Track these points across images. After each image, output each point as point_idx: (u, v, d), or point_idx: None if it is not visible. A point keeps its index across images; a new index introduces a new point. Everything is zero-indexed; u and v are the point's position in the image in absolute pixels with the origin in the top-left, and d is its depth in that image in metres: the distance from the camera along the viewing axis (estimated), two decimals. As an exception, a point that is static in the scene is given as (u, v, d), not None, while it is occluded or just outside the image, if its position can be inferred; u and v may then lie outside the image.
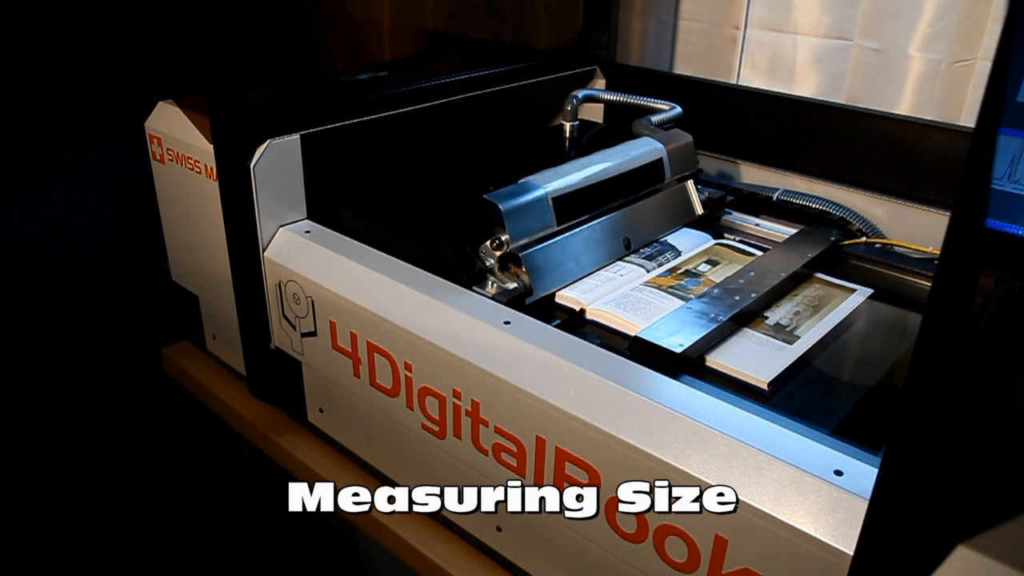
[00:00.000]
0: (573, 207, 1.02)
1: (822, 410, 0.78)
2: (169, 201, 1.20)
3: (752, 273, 0.96)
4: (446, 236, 0.94)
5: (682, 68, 1.50)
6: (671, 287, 0.98)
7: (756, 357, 0.84)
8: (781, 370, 0.82)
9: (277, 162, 0.98)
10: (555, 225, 0.99)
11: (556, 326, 0.83)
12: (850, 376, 0.88)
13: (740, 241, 1.15)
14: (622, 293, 0.96)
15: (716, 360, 0.84)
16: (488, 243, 0.93)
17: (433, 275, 0.92)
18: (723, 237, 1.16)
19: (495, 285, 0.93)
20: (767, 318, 0.92)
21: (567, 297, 0.96)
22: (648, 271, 1.03)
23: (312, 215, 1.05)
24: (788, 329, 0.89)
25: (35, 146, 1.59)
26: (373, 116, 1.10)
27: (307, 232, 1.01)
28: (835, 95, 1.33)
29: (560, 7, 1.49)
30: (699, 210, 1.19)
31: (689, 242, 1.12)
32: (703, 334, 0.83)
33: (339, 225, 1.04)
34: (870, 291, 0.99)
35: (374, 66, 1.34)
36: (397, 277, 0.91)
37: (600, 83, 1.46)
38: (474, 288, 0.91)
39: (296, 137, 1.00)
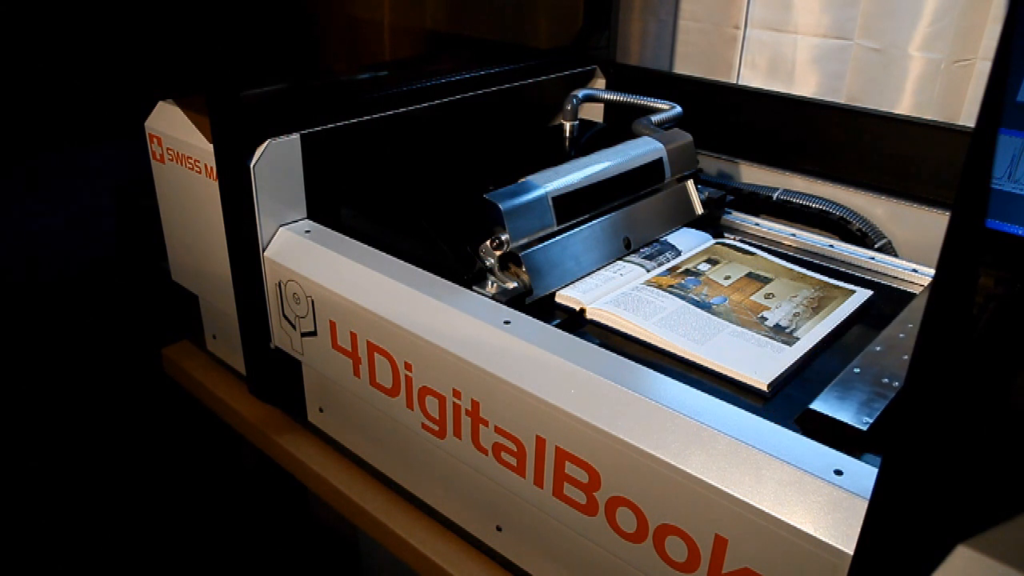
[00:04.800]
0: (573, 207, 1.01)
1: (822, 410, 0.78)
2: (169, 201, 1.20)
3: (911, 326, 0.88)
4: (446, 236, 0.94)
5: (682, 68, 1.50)
6: (671, 287, 0.98)
7: (756, 358, 0.83)
8: (781, 372, 0.82)
9: (277, 162, 0.98)
10: (555, 225, 0.99)
11: (556, 326, 0.83)
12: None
13: (740, 241, 1.15)
14: (622, 293, 0.96)
15: (723, 368, 0.82)
16: (488, 243, 0.92)
17: (433, 275, 0.92)
18: (723, 237, 1.16)
19: (495, 285, 0.93)
20: (766, 319, 0.92)
21: (567, 297, 0.96)
22: (648, 271, 1.03)
23: (312, 215, 1.05)
24: (788, 330, 0.89)
25: (35, 147, 1.59)
26: (373, 116, 1.10)
27: (307, 232, 1.01)
28: (835, 95, 1.33)
29: (560, 7, 1.49)
30: (699, 210, 1.19)
31: (689, 242, 1.12)
32: (886, 405, 0.73)
33: (339, 225, 1.04)
34: (870, 292, 0.99)
35: (374, 66, 1.34)
36: (397, 277, 0.91)
37: (600, 83, 1.46)
38: (474, 288, 0.91)
39: (296, 137, 1.00)
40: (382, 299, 0.89)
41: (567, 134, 1.28)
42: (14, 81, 1.51)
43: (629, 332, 0.90)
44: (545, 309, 0.95)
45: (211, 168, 1.04)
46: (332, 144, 1.04)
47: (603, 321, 0.92)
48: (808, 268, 1.05)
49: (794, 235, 1.16)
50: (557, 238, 1.00)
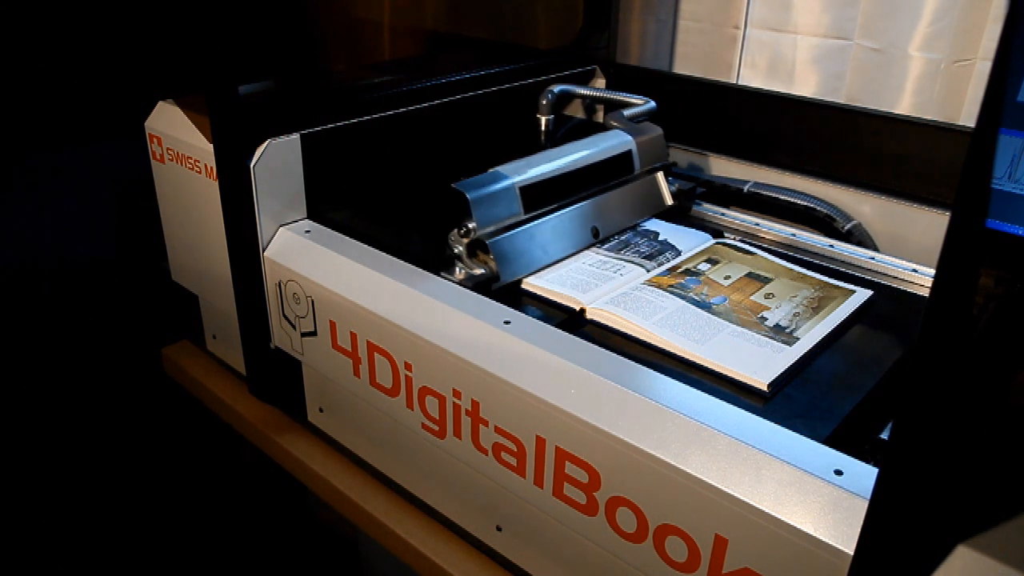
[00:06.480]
0: (541, 196, 1.04)
1: (822, 412, 0.78)
2: (169, 201, 1.20)
3: None
4: (419, 225, 0.97)
5: (682, 68, 1.50)
6: (671, 287, 0.98)
7: (756, 358, 0.83)
8: (781, 371, 0.82)
9: (277, 162, 0.98)
10: (522, 214, 1.01)
11: (556, 326, 0.83)
12: (850, 377, 0.88)
13: (740, 240, 1.15)
14: (622, 292, 0.96)
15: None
16: (456, 231, 0.95)
17: (433, 275, 0.92)
18: (723, 236, 1.17)
19: (463, 271, 0.95)
20: (766, 319, 0.92)
21: (567, 296, 0.96)
22: (648, 271, 1.03)
23: (312, 215, 1.05)
24: (788, 330, 0.89)
25: (35, 147, 1.59)
26: (373, 116, 1.10)
27: (307, 232, 1.01)
28: (835, 95, 1.33)
29: (560, 7, 1.49)
30: (669, 201, 1.22)
31: (689, 241, 1.12)
32: None
33: (339, 225, 1.04)
34: (870, 292, 0.99)
35: (374, 66, 1.34)
36: (397, 277, 0.91)
37: (600, 83, 1.46)
38: (442, 274, 0.94)
39: (296, 137, 1.00)
40: (382, 299, 0.89)
41: (543, 128, 1.32)
42: (14, 81, 1.51)
43: (629, 332, 0.90)
44: (544, 308, 0.95)
45: (211, 168, 1.04)
46: (332, 144, 1.04)
47: (603, 321, 0.92)
48: (808, 268, 1.05)
49: (794, 235, 1.16)
50: (525, 226, 1.02)
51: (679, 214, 1.22)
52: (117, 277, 1.72)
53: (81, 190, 1.69)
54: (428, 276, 0.92)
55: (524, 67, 1.34)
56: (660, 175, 1.21)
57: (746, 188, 1.29)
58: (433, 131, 1.22)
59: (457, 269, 0.95)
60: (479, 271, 0.95)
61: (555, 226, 1.05)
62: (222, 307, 1.15)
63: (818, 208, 1.23)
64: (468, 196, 0.95)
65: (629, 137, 1.18)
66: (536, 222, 1.03)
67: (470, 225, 0.94)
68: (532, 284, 0.99)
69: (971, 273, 0.47)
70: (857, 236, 1.21)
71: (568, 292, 0.96)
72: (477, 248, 0.97)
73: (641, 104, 1.27)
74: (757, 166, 1.32)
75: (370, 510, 1.01)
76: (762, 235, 1.18)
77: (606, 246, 1.09)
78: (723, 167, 1.36)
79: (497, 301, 0.88)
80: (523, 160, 1.06)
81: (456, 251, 0.96)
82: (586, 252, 1.07)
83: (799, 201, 1.25)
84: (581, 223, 1.08)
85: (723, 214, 1.23)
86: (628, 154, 1.17)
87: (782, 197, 1.26)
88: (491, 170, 1.02)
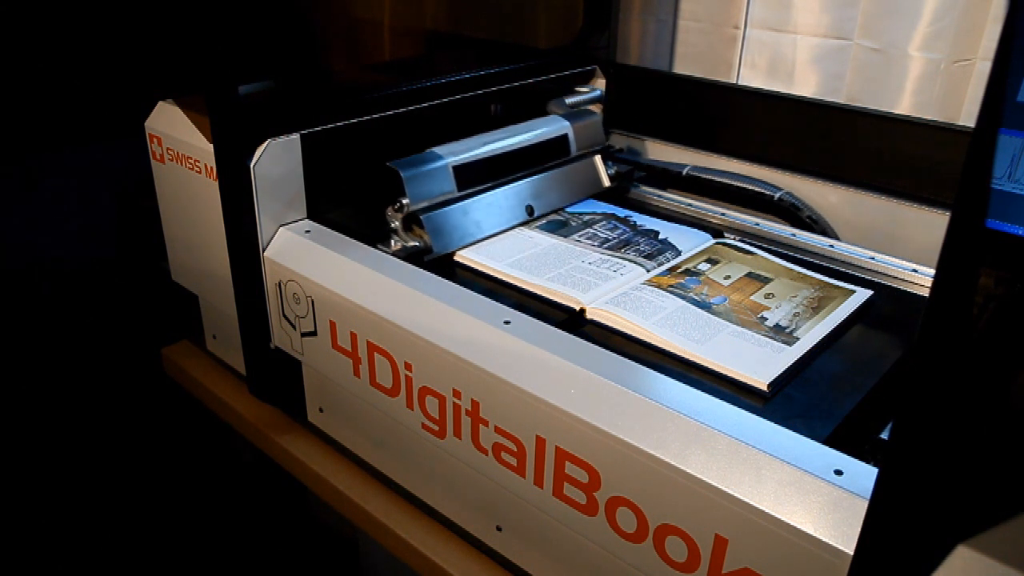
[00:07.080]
0: (474, 175, 1.10)
1: (822, 412, 0.78)
2: (169, 201, 1.20)
3: None
4: (364, 202, 1.04)
5: (682, 68, 1.50)
6: (671, 286, 0.98)
7: (756, 358, 0.83)
8: (781, 372, 0.82)
9: (277, 162, 0.98)
10: (455, 191, 1.07)
11: (556, 326, 0.83)
12: (850, 377, 0.88)
13: (740, 240, 1.15)
14: (622, 292, 0.96)
15: (719, 364, 0.83)
16: (391, 206, 1.01)
17: (433, 275, 0.92)
18: (724, 236, 1.17)
19: (398, 243, 1.01)
20: (766, 319, 0.92)
21: (567, 296, 0.96)
22: (648, 270, 1.03)
23: (312, 215, 1.05)
24: (788, 330, 0.89)
25: (35, 147, 1.59)
26: (373, 116, 1.10)
27: (307, 232, 1.02)
28: (835, 95, 1.33)
29: (560, 7, 1.49)
30: (606, 183, 1.28)
31: (689, 241, 1.12)
32: None
33: (339, 225, 1.04)
34: (870, 292, 0.99)
35: (374, 66, 1.34)
36: (397, 277, 0.91)
37: (600, 83, 1.46)
38: (379, 246, 0.99)
39: (296, 137, 1.00)
40: (382, 299, 0.89)
41: (492, 114, 1.36)
42: (13, 81, 1.51)
43: (629, 332, 0.90)
44: (544, 308, 0.95)
45: (211, 168, 1.04)
46: (332, 144, 1.05)
47: (603, 321, 0.92)
48: (808, 268, 1.05)
49: (794, 235, 1.16)
50: (458, 203, 1.07)
51: (617, 195, 1.29)
52: (117, 277, 1.72)
53: (81, 190, 1.69)
54: (429, 276, 0.92)
55: (524, 67, 1.34)
56: (598, 158, 1.29)
57: (684, 172, 1.35)
58: (433, 131, 1.22)
59: (392, 241, 1.01)
60: (413, 243, 1.01)
61: (489, 203, 1.11)
62: (222, 307, 1.15)
63: (748, 187, 1.29)
64: (402, 174, 1.02)
65: (566, 122, 1.26)
66: (470, 199, 1.09)
67: (404, 201, 1.01)
68: (465, 257, 1.04)
69: (971, 273, 0.47)
70: (788, 202, 1.25)
71: (568, 292, 0.96)
72: (412, 222, 1.03)
73: (586, 92, 1.36)
74: (759, 166, 1.32)
75: (370, 510, 1.01)
76: (762, 235, 1.18)
77: (606, 245, 1.09)
78: (721, 166, 1.35)
79: (431, 272, 0.93)
80: (460, 142, 1.13)
81: (393, 225, 1.02)
82: (522, 229, 1.13)
83: (732, 182, 1.31)
84: (515, 201, 1.15)
85: (725, 213, 1.23)
86: (564, 138, 1.24)
87: (716, 179, 1.32)
88: (427, 150, 1.09)
